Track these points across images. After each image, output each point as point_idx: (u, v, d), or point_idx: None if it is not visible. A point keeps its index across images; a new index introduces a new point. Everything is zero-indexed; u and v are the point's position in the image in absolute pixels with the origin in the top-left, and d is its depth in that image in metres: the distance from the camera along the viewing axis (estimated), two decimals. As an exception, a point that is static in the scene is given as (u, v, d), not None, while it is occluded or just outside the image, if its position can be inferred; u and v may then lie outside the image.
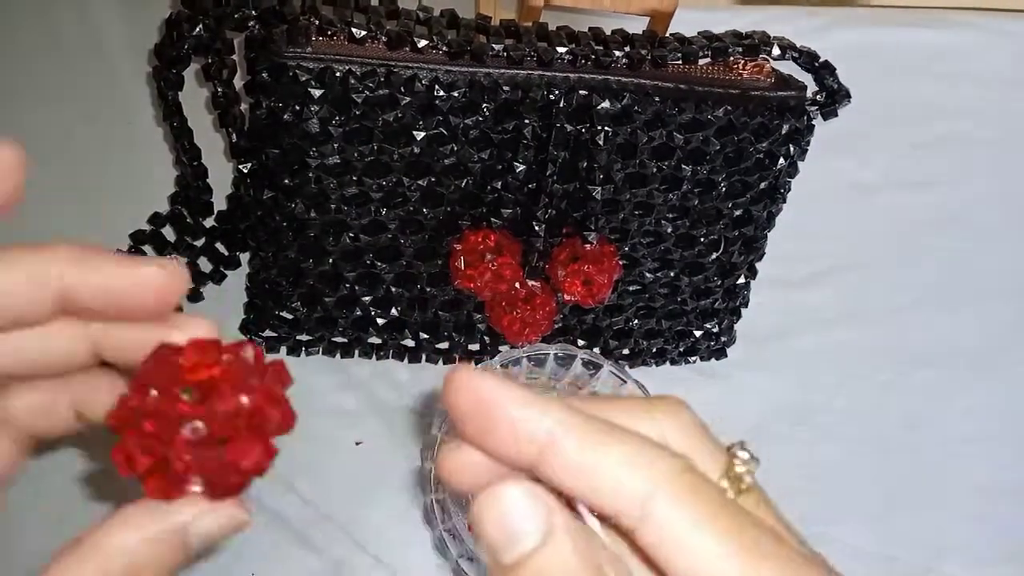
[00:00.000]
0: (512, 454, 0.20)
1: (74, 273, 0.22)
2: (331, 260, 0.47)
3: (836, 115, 0.47)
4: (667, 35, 0.44)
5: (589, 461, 0.19)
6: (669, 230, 0.49)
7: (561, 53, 0.42)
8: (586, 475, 0.19)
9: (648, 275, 0.51)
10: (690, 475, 0.19)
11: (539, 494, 0.20)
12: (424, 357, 0.54)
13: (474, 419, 0.20)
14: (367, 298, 0.50)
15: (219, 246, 0.54)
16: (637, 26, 0.49)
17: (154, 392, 0.21)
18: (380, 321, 0.51)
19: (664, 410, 0.21)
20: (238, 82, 0.45)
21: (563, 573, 0.19)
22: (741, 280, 0.55)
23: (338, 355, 0.53)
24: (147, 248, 0.53)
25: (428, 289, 0.50)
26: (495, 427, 0.20)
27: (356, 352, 0.53)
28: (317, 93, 0.41)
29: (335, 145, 0.42)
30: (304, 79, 0.40)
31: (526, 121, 0.42)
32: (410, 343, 0.54)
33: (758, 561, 0.18)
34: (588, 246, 0.47)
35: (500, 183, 0.45)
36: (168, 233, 0.53)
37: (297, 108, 0.41)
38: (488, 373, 0.20)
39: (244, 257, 0.54)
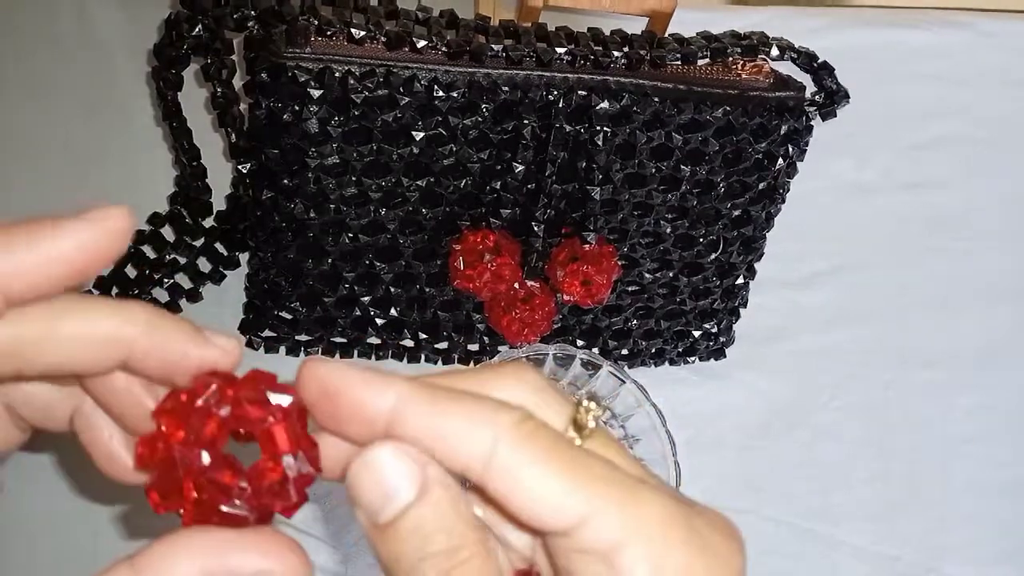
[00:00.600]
0: (364, 433, 0.20)
1: (146, 342, 0.21)
2: (330, 260, 0.47)
3: (835, 116, 0.47)
4: (666, 35, 0.44)
5: (433, 425, 0.20)
6: (668, 230, 0.49)
7: (560, 53, 0.42)
8: (432, 439, 0.20)
9: (647, 275, 0.51)
10: (528, 423, 0.20)
11: (410, 451, 0.20)
12: (423, 357, 0.54)
13: (323, 407, 0.20)
14: (366, 298, 0.50)
15: (218, 246, 0.54)
16: (636, 26, 0.49)
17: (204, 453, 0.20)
18: (379, 321, 0.51)
19: (510, 374, 0.22)
20: (237, 82, 0.45)
21: (440, 524, 0.20)
22: (740, 280, 0.54)
23: (337, 355, 0.53)
24: (146, 248, 0.53)
25: (427, 289, 0.50)
26: (343, 411, 0.20)
27: (355, 352, 0.53)
28: (316, 93, 0.41)
29: (334, 145, 0.42)
30: (303, 79, 0.40)
31: (525, 121, 0.42)
32: (409, 343, 0.54)
33: (589, 484, 0.19)
34: (587, 246, 0.47)
35: (499, 183, 0.45)
36: (167, 233, 0.53)
37: (296, 108, 0.41)
38: (332, 361, 0.20)
39: (243, 257, 0.54)
